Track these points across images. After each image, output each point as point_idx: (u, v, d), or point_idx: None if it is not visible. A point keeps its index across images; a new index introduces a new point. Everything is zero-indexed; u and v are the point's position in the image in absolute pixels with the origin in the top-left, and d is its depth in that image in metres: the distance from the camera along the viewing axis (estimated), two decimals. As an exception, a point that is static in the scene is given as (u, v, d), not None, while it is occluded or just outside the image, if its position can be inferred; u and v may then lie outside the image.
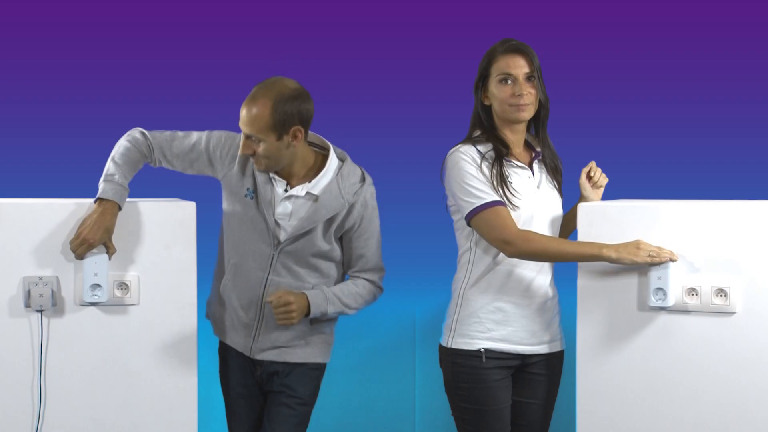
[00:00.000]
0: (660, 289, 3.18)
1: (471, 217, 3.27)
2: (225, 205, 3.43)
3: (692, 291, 3.18)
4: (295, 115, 3.25)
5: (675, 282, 3.19)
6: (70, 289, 3.29)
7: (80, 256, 3.24)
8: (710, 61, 4.41)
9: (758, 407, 3.13)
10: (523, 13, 4.48)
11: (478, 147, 3.34)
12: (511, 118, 3.35)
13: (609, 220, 3.26)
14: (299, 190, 3.34)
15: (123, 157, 3.33)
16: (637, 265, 3.19)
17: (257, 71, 3.52)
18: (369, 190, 3.39)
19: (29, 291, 3.26)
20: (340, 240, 3.41)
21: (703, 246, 3.17)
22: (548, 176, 3.44)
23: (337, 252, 3.40)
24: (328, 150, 3.39)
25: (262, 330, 3.39)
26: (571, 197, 3.52)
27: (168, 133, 3.40)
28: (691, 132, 4.42)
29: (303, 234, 3.33)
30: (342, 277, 3.48)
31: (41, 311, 3.26)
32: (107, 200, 3.24)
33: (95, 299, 3.27)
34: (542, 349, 3.40)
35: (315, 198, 3.33)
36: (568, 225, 3.50)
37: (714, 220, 3.18)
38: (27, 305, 3.26)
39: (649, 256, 3.16)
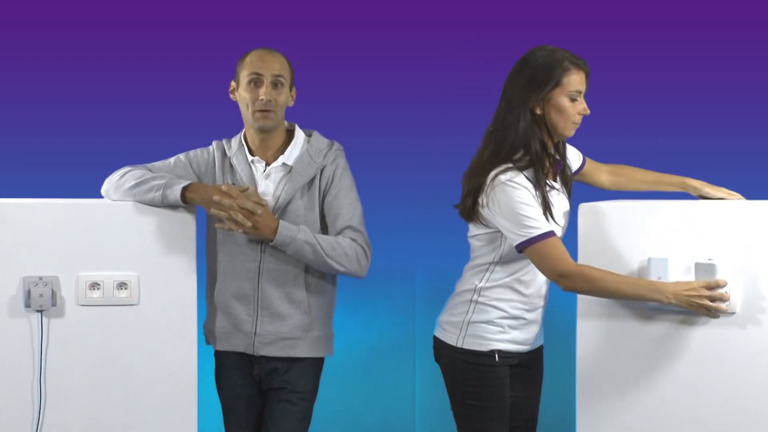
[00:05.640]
0: (660, 289, 3.18)
1: (524, 247, 3.18)
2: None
3: (692, 291, 3.18)
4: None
5: (675, 282, 3.19)
6: (70, 289, 3.29)
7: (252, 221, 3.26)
8: (710, 61, 4.41)
9: (758, 407, 3.13)
10: (522, 13, 4.48)
11: (525, 173, 3.21)
12: (566, 134, 3.29)
13: (609, 220, 3.26)
14: (276, 164, 3.40)
15: (141, 175, 3.35)
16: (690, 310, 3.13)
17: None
18: (338, 153, 3.45)
19: (29, 291, 3.26)
20: (322, 210, 3.43)
21: (704, 246, 3.17)
22: (561, 184, 3.37)
23: (318, 223, 3.41)
24: (294, 128, 3.49)
25: (261, 322, 3.39)
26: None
27: (147, 164, 3.44)
28: (691, 132, 4.42)
29: (285, 206, 3.37)
30: None
31: (41, 311, 3.27)
32: (188, 187, 3.29)
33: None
34: (536, 344, 3.42)
35: (289, 169, 3.39)
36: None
37: (714, 220, 3.18)
38: (27, 305, 3.26)
39: (704, 307, 3.10)
